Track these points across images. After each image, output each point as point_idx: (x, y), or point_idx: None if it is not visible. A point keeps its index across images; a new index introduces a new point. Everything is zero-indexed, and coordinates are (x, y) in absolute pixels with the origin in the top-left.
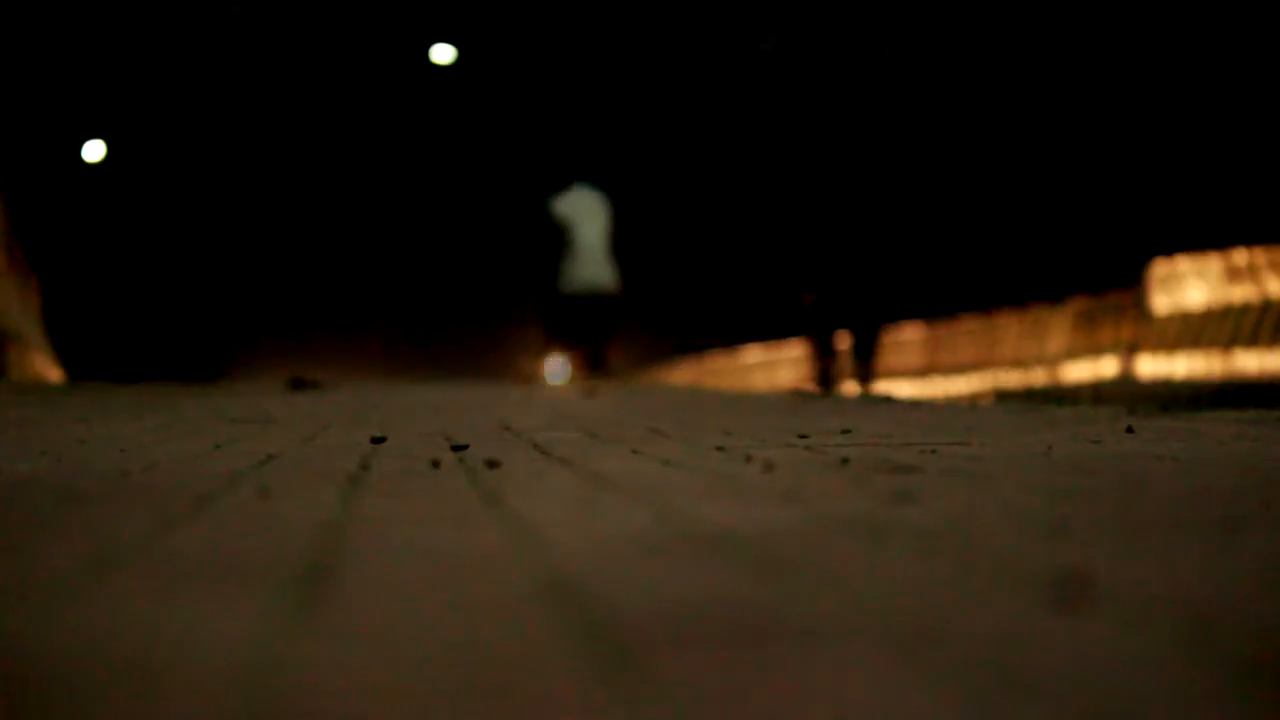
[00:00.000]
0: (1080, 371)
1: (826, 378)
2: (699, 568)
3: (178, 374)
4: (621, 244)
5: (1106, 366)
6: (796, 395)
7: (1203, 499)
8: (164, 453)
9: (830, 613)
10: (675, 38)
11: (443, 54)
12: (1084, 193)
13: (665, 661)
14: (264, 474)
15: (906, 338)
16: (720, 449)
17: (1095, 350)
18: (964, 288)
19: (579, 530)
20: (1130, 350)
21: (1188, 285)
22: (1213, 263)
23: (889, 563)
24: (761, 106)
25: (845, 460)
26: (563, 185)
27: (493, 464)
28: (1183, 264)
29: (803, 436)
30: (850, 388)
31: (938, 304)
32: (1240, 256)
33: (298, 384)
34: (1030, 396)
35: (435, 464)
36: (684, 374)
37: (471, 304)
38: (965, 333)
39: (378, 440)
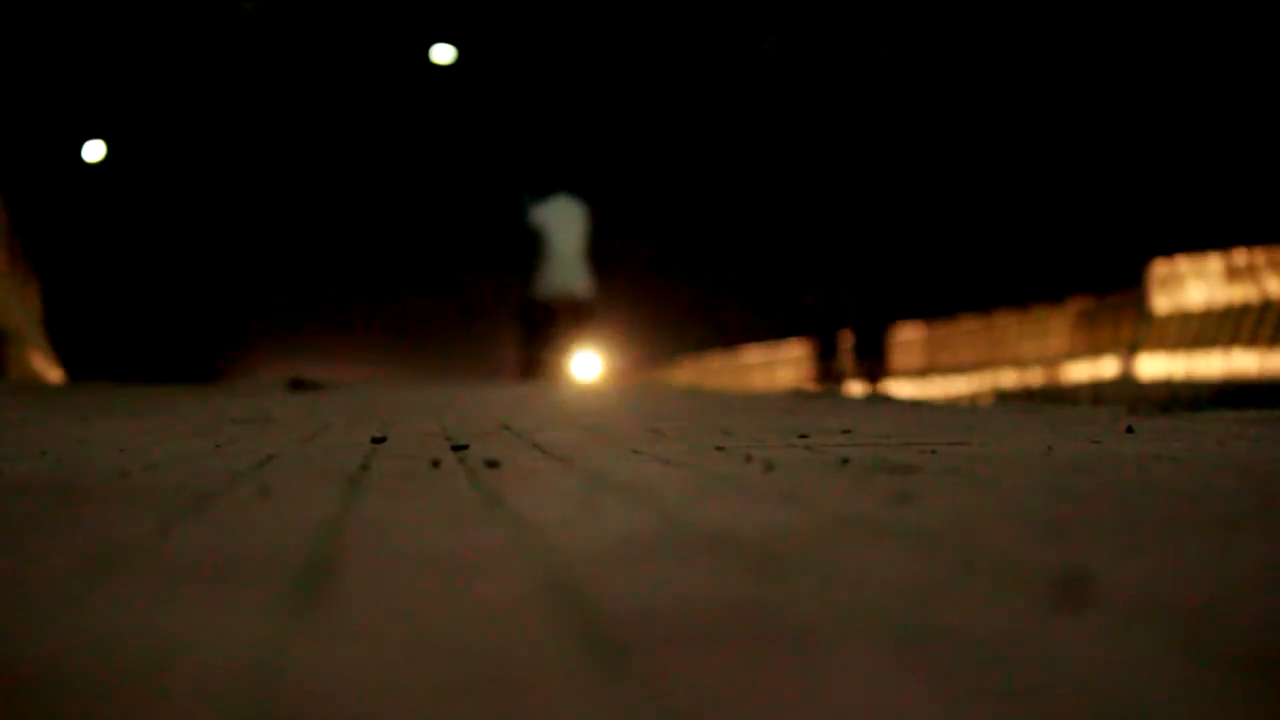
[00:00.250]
0: (1080, 372)
1: (830, 377)
2: (699, 568)
3: (178, 374)
4: (618, 246)
5: (1107, 367)
6: (796, 395)
7: (1203, 499)
8: (164, 452)
9: (830, 613)
10: (676, 37)
11: (443, 54)
12: (1084, 193)
13: (665, 662)
14: (264, 474)
15: (906, 337)
16: (720, 449)
17: (1095, 350)
18: (963, 288)
19: (579, 530)
20: (1130, 350)
21: (1188, 285)
22: (1213, 263)
23: (889, 563)
24: (763, 106)
25: (845, 460)
26: (547, 190)
27: (492, 464)
28: (1183, 264)
29: (803, 436)
30: (858, 387)
31: (937, 304)
32: (1240, 257)
33: (298, 384)
34: (1030, 396)
35: (435, 464)
36: (684, 374)
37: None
38: (965, 333)
39: (378, 440)
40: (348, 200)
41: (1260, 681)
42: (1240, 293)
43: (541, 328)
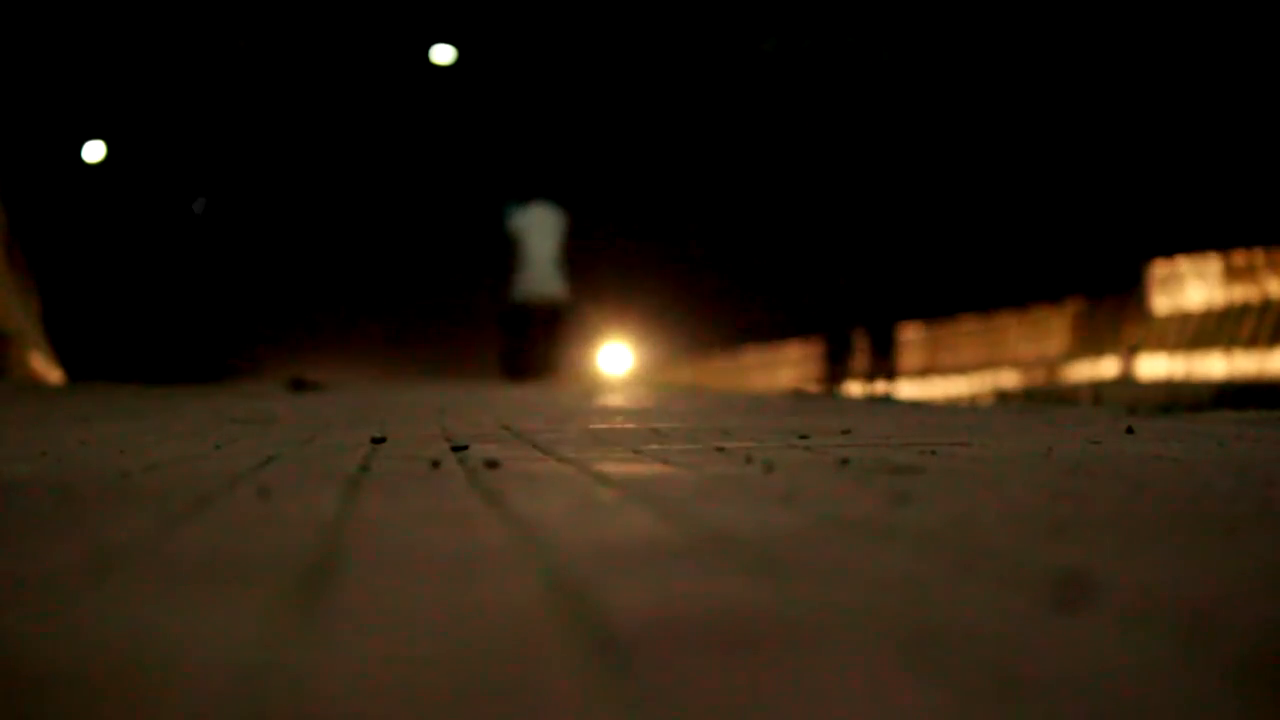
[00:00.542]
0: (1080, 372)
1: (839, 376)
2: (699, 569)
3: (178, 374)
4: (611, 248)
5: (1107, 367)
6: (796, 396)
7: (1202, 500)
8: (164, 453)
9: (830, 613)
10: (676, 39)
11: (443, 55)
12: (1084, 193)
13: (666, 662)
14: (264, 475)
15: (906, 338)
16: (720, 450)
17: (1096, 351)
18: (963, 288)
19: (579, 531)
20: (1131, 351)
21: (1188, 286)
22: (1213, 263)
23: (889, 563)
24: (770, 107)
25: (845, 461)
26: (529, 197)
27: (492, 464)
28: (1183, 264)
29: (803, 437)
30: (868, 387)
31: (937, 304)
32: (1240, 257)
33: (298, 385)
34: (1030, 397)
35: (435, 464)
36: (684, 374)
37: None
38: (965, 333)
39: (378, 441)
40: (347, 201)
41: (1260, 682)
42: (1240, 293)
43: (521, 331)
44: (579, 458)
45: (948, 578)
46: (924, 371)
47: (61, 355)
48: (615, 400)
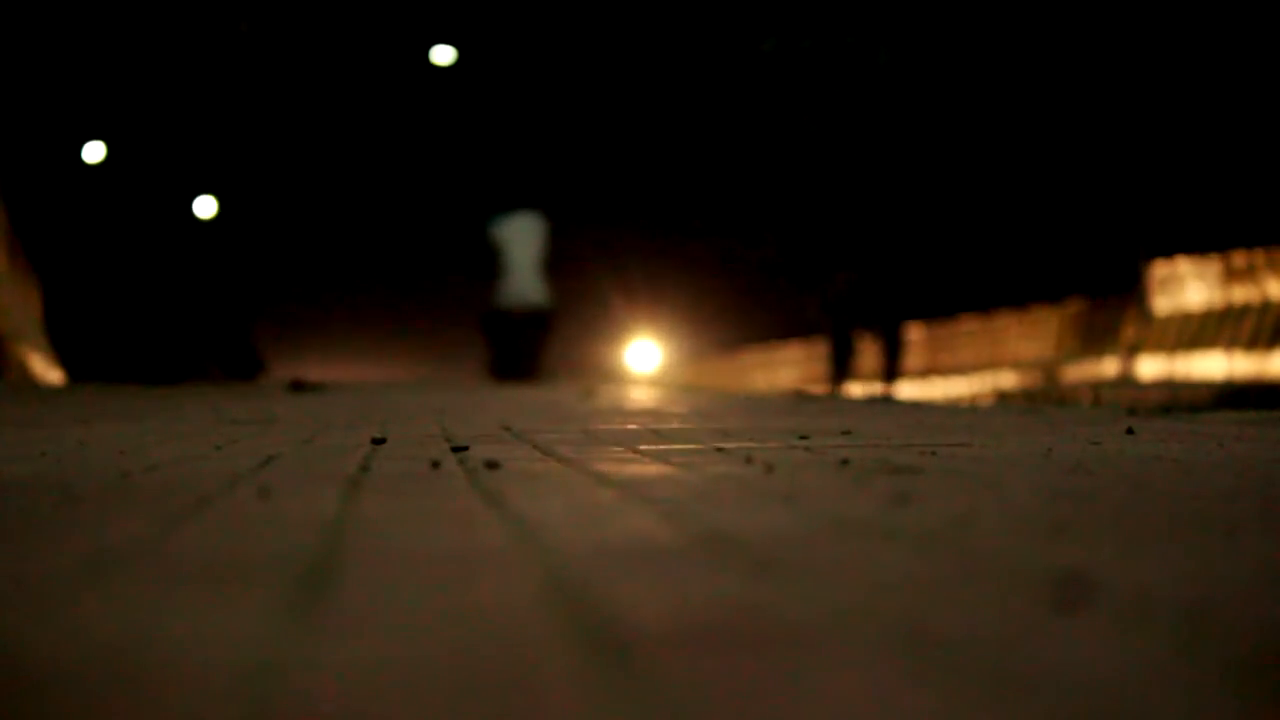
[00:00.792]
0: (1080, 372)
1: (842, 375)
2: (699, 569)
3: (178, 375)
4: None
5: (1107, 368)
6: (797, 396)
7: (1202, 500)
8: (164, 454)
9: (831, 614)
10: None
11: (443, 55)
12: (1084, 194)
13: (666, 663)
14: (264, 475)
15: (908, 338)
16: (720, 450)
17: (1095, 351)
18: (963, 288)
19: (579, 532)
20: (1130, 351)
21: (1188, 287)
22: (1212, 264)
23: (889, 564)
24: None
25: (845, 461)
26: (514, 206)
27: (493, 465)
28: (1183, 265)
29: (803, 438)
30: (876, 386)
31: (938, 305)
32: (1240, 258)
33: (298, 386)
34: (1030, 398)
35: (435, 465)
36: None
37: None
38: (965, 334)
39: (378, 441)
40: (347, 204)
41: (1260, 683)
42: (1240, 294)
43: (506, 335)
44: (579, 458)
45: (948, 578)
46: (924, 372)
47: (62, 355)
48: (616, 401)
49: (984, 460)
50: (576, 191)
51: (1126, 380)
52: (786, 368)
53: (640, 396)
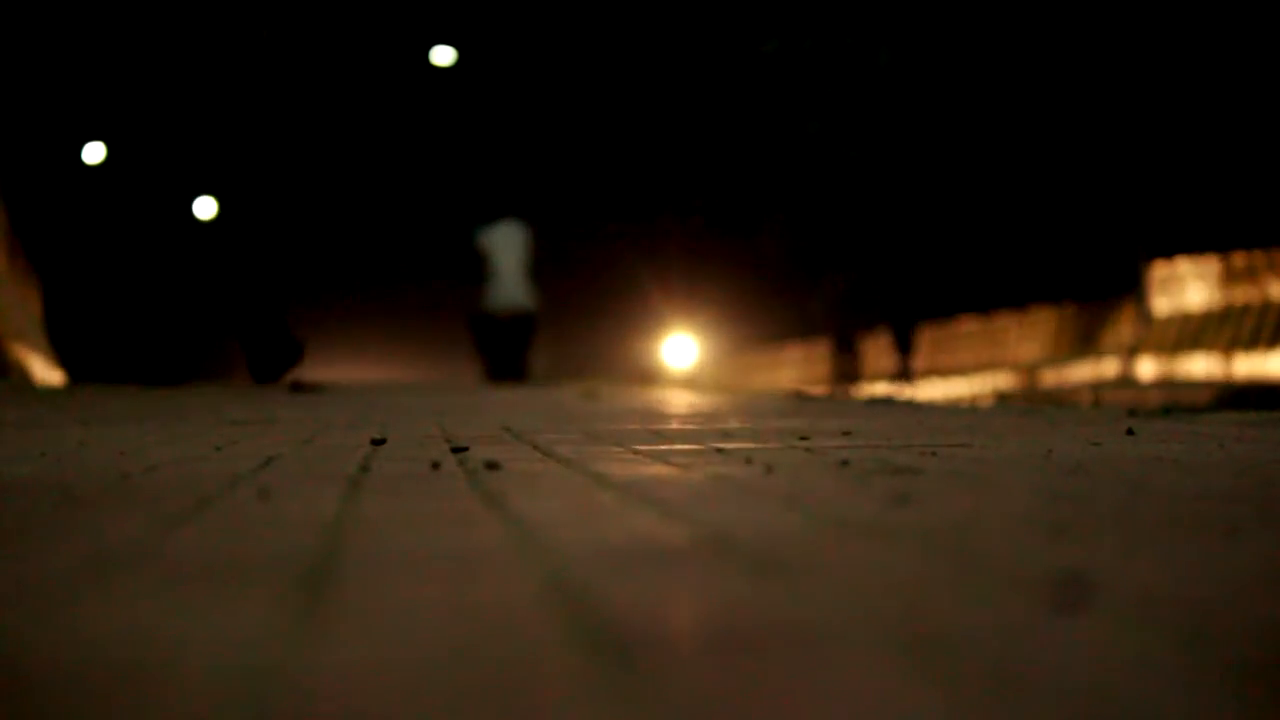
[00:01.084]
0: (1080, 373)
1: (851, 375)
2: (700, 570)
3: (178, 376)
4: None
5: (1107, 368)
6: (797, 397)
7: (1202, 501)
8: (164, 455)
9: (831, 614)
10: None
11: (444, 55)
12: (1084, 195)
13: (666, 663)
14: (264, 476)
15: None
16: (720, 450)
17: (1095, 352)
18: (963, 289)
19: (579, 532)
20: (1131, 352)
21: (1188, 287)
22: (1212, 265)
23: (889, 564)
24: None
25: (845, 462)
26: (500, 215)
27: (492, 465)
28: (1183, 266)
29: (803, 438)
30: (889, 385)
31: (937, 305)
32: (1240, 259)
33: (297, 387)
34: (1030, 398)
35: (435, 466)
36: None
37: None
38: (965, 335)
39: (378, 442)
40: (350, 198)
41: (1260, 682)
42: (1240, 295)
43: (494, 337)
44: (579, 458)
45: (948, 579)
46: (924, 373)
47: (62, 356)
48: (615, 401)
49: (984, 461)
50: (600, 190)
51: (1126, 381)
52: (815, 365)
53: (641, 396)
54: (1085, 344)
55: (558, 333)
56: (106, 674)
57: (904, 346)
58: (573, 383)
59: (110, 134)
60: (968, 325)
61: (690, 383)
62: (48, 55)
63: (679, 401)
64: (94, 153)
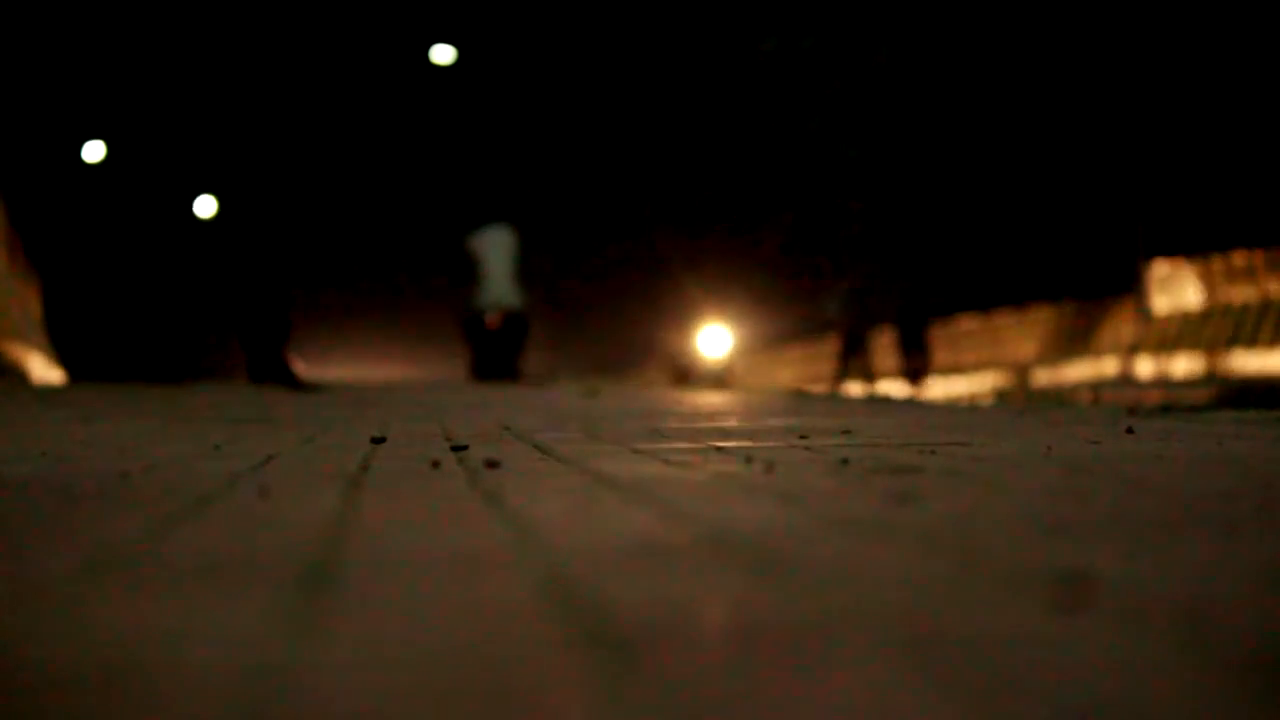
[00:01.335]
0: (1080, 372)
1: (855, 374)
2: (700, 568)
3: (178, 374)
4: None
5: (1107, 367)
6: (797, 395)
7: (1202, 500)
8: (164, 453)
9: (830, 613)
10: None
11: (444, 54)
12: (1085, 194)
13: (666, 662)
14: (264, 475)
15: (891, 340)
16: (720, 449)
17: (1095, 351)
18: (963, 288)
19: (580, 531)
20: (1131, 351)
21: (1188, 286)
22: (1213, 264)
23: (889, 563)
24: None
25: (845, 461)
26: (482, 223)
27: (492, 464)
28: (1183, 265)
29: (803, 437)
30: (896, 385)
31: (936, 305)
32: (1240, 258)
33: (298, 386)
34: (1029, 397)
35: (435, 464)
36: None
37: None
38: (965, 333)
39: (377, 440)
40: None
41: (1260, 682)
42: (1240, 294)
43: (484, 337)
44: (579, 457)
45: (948, 578)
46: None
47: (62, 355)
48: (615, 400)
49: (984, 460)
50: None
51: (1126, 379)
52: (821, 363)
53: (638, 396)
54: (1085, 343)
55: (586, 327)
56: (106, 674)
57: (914, 345)
58: (604, 377)
59: (110, 132)
60: (967, 324)
61: (721, 380)
62: (47, 54)
63: (675, 401)
64: (94, 151)
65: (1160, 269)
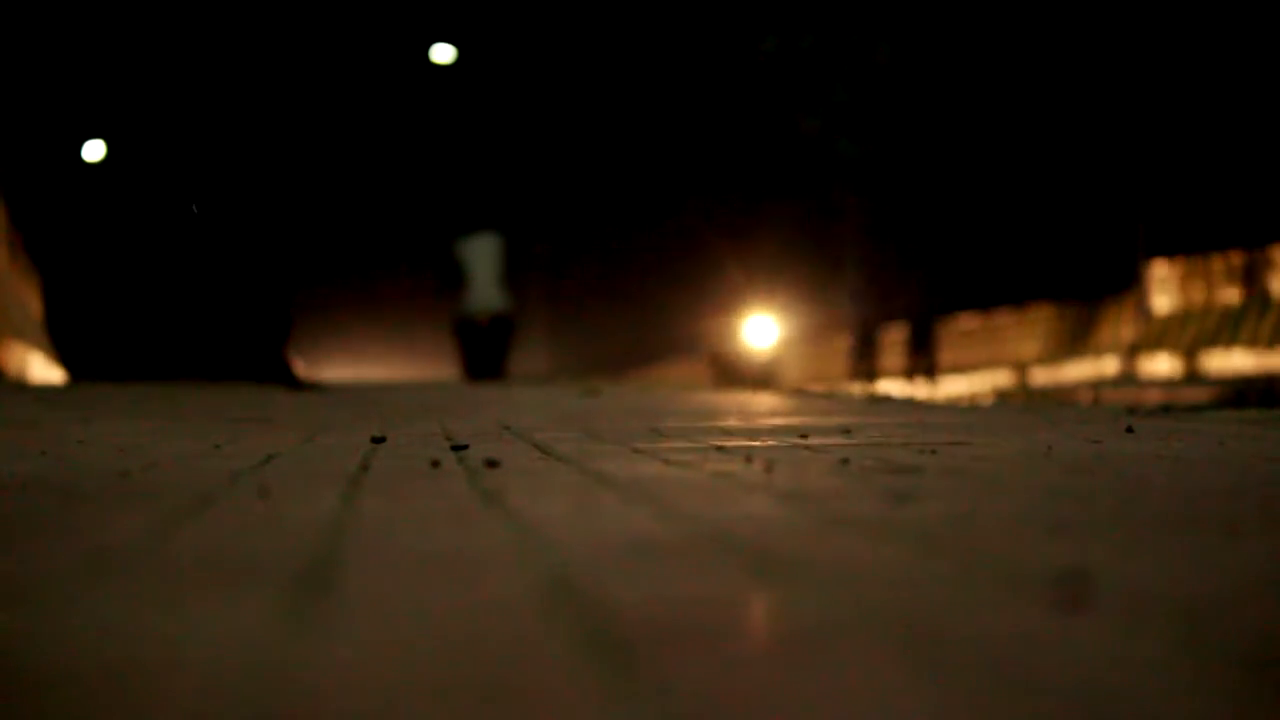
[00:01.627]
0: (1080, 371)
1: (868, 372)
2: (700, 568)
3: (178, 374)
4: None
5: (1107, 366)
6: (797, 394)
7: (1202, 499)
8: (164, 453)
9: (830, 612)
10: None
11: (443, 54)
12: (1085, 192)
13: (666, 661)
14: (264, 474)
15: (899, 338)
16: (720, 448)
17: (1095, 350)
18: (963, 287)
19: (579, 530)
20: (1131, 350)
21: (1188, 286)
22: (1213, 263)
23: (889, 562)
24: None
25: (845, 460)
26: (471, 228)
27: (492, 464)
28: (1183, 264)
29: (803, 436)
30: (907, 383)
31: (938, 303)
32: (1239, 257)
33: (298, 385)
34: (1030, 396)
35: (435, 464)
36: (682, 373)
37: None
38: (964, 332)
39: (378, 440)
40: (351, 196)
41: (1260, 681)
42: (1240, 293)
43: (474, 338)
44: (579, 456)
45: (948, 577)
46: (928, 370)
47: (63, 354)
48: (614, 400)
49: (984, 459)
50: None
51: (1126, 379)
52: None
53: (637, 395)
54: (1085, 342)
55: (625, 313)
56: (107, 673)
57: (923, 343)
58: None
59: (110, 131)
60: (967, 323)
61: (767, 376)
62: (48, 53)
63: (675, 400)
64: (94, 150)
65: (1160, 268)
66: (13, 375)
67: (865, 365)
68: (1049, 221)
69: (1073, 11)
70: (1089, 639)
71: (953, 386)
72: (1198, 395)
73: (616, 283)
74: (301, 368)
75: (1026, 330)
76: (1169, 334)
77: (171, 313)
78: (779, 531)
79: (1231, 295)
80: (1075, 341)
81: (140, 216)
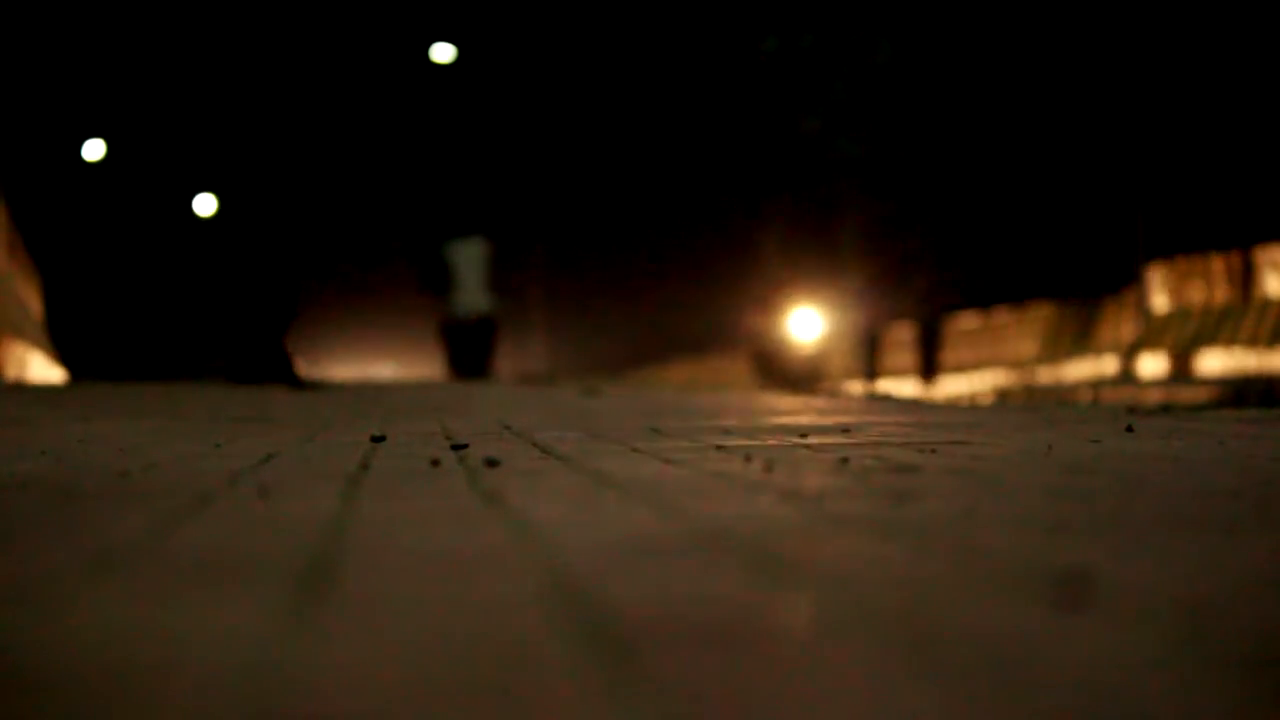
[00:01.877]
0: (1080, 370)
1: (870, 372)
2: (699, 567)
3: (178, 373)
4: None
5: (1107, 366)
6: (797, 393)
7: (1202, 499)
8: (164, 452)
9: (830, 611)
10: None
11: (444, 53)
12: (1085, 191)
13: (665, 660)
14: (264, 473)
15: (904, 337)
16: (720, 448)
17: (1095, 350)
18: (964, 286)
19: (580, 529)
20: (1131, 350)
21: (1188, 285)
22: (1213, 263)
23: (888, 562)
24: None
25: (845, 460)
26: (458, 233)
27: (492, 463)
28: (1183, 264)
29: (803, 435)
30: (915, 382)
31: (937, 303)
32: (1239, 258)
33: (298, 384)
34: (1030, 395)
35: (435, 463)
36: (682, 372)
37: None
38: (964, 331)
39: (377, 439)
40: (351, 195)
41: (1259, 681)
42: (1239, 293)
43: (461, 339)
44: (579, 456)
45: (947, 577)
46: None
47: (63, 353)
48: (613, 399)
49: (984, 458)
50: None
51: (1126, 378)
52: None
53: (636, 394)
54: (1085, 341)
55: (668, 304)
56: (107, 673)
57: (930, 342)
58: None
59: (110, 131)
60: (967, 322)
61: (812, 373)
62: (48, 53)
63: (675, 400)
64: (94, 149)
65: (1160, 268)
66: (13, 375)
67: (867, 364)
68: (1049, 221)
69: (1072, 12)
70: (1089, 638)
71: (952, 386)
72: (1197, 394)
73: (623, 281)
74: (301, 366)
75: (1026, 330)
76: (1169, 333)
77: (171, 312)
78: (779, 531)
79: (1231, 295)
80: (1075, 341)
81: (140, 216)
